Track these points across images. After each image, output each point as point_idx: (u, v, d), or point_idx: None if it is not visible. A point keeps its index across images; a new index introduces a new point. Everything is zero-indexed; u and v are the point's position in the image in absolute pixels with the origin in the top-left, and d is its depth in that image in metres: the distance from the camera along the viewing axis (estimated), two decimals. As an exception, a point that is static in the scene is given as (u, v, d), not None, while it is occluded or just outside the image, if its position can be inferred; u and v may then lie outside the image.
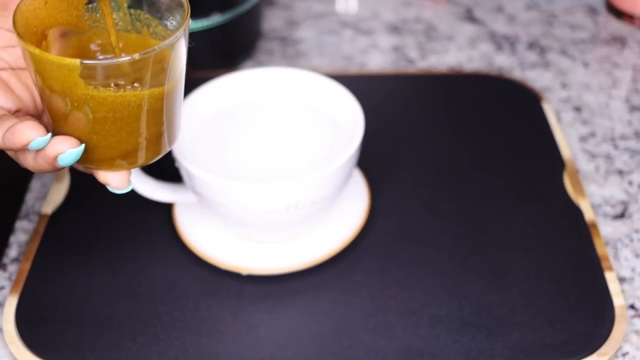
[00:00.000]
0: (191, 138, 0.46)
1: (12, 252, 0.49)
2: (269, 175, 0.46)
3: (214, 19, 0.61)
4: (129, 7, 0.36)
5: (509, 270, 0.46)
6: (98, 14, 0.36)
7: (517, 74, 0.66)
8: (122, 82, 0.32)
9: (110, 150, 0.34)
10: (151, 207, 0.49)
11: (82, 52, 0.37)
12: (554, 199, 0.51)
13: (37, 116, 0.36)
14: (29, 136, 0.31)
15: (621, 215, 0.51)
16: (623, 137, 0.58)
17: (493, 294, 0.44)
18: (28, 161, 0.33)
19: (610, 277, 0.45)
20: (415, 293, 0.45)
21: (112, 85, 0.32)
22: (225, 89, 0.48)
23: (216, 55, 0.64)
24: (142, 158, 0.35)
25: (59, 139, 0.32)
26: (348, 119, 0.46)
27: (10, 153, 0.34)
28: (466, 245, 0.48)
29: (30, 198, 0.53)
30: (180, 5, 0.34)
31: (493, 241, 0.48)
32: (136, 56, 0.31)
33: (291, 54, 0.69)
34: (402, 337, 0.42)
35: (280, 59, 0.68)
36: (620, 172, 0.55)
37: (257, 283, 0.45)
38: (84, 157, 0.33)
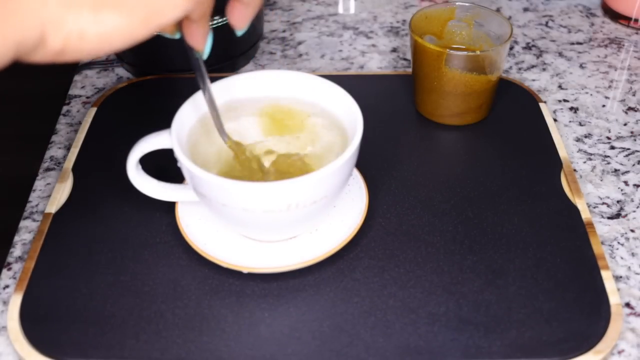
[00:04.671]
0: (193, 138, 0.46)
1: (17, 251, 0.49)
2: (268, 176, 0.46)
3: (215, 21, 0.62)
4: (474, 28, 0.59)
5: (507, 268, 0.46)
6: (458, 31, 0.59)
7: (515, 75, 0.67)
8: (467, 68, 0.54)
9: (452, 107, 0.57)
10: (154, 206, 0.49)
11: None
12: (551, 199, 0.51)
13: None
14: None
15: (617, 215, 0.52)
16: (619, 138, 0.59)
17: (491, 292, 0.45)
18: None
19: (606, 276, 0.46)
20: (414, 291, 0.45)
21: (460, 69, 0.54)
22: (226, 90, 0.49)
23: (217, 57, 0.65)
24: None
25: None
26: (348, 120, 0.46)
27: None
28: (464, 244, 0.48)
29: (34, 197, 0.53)
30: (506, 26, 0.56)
31: (491, 240, 0.48)
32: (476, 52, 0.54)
33: (291, 56, 0.69)
34: (401, 335, 0.43)
35: (280, 61, 0.68)
36: (616, 172, 0.56)
37: (257, 281, 0.46)
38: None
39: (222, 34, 0.63)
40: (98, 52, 0.33)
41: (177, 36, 0.41)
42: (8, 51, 0.30)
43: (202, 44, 0.40)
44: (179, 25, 0.40)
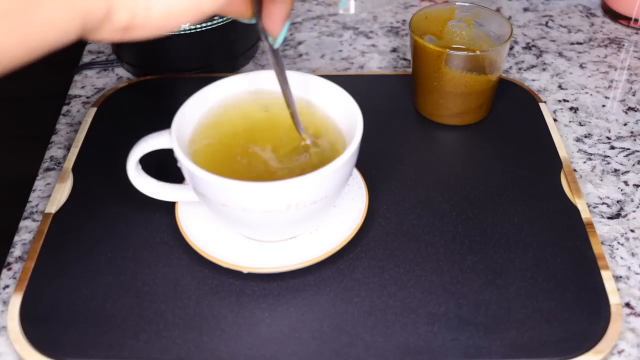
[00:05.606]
0: (193, 138, 0.46)
1: (17, 251, 0.49)
2: (268, 175, 0.46)
3: (215, 21, 0.62)
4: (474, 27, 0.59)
5: (507, 268, 0.46)
6: (458, 31, 0.59)
7: (515, 75, 0.67)
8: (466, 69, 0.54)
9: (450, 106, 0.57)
10: (154, 206, 0.49)
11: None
12: (551, 199, 0.51)
13: None
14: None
15: (617, 215, 0.52)
16: (619, 138, 0.59)
17: (491, 292, 0.45)
18: None
19: (606, 276, 0.46)
20: (414, 291, 0.45)
21: (460, 69, 0.54)
22: (227, 90, 0.49)
23: (217, 57, 0.65)
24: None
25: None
26: (347, 120, 0.46)
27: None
28: (464, 244, 0.48)
29: (34, 197, 0.53)
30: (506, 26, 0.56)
31: (491, 240, 0.48)
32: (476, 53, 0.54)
33: (291, 56, 0.69)
34: (400, 335, 0.43)
35: (280, 60, 0.68)
36: (616, 172, 0.56)
37: (257, 281, 0.46)
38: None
39: (222, 33, 0.64)
40: (165, 27, 0.32)
41: (254, 21, 0.38)
42: (75, 24, 0.29)
43: (279, 27, 0.38)
44: (256, 10, 0.38)
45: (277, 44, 0.39)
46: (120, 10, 0.30)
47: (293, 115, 0.45)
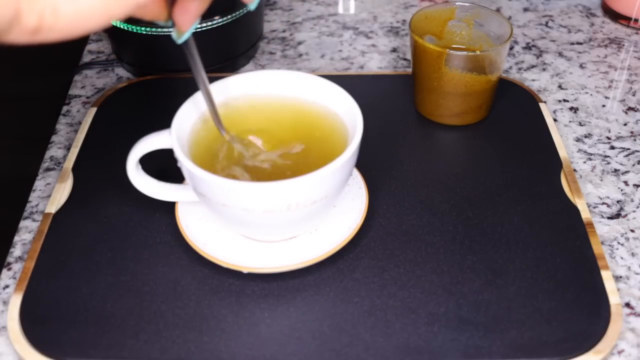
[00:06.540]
0: (193, 138, 0.46)
1: (16, 251, 0.49)
2: (269, 175, 0.46)
3: (215, 21, 0.62)
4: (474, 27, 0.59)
5: (506, 268, 0.46)
6: (458, 31, 0.59)
7: (515, 75, 0.67)
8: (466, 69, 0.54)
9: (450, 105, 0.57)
10: (154, 206, 0.49)
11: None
12: (551, 199, 0.51)
13: None
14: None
15: (617, 215, 0.52)
16: (619, 138, 0.59)
17: (491, 292, 0.45)
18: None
19: (606, 276, 0.46)
20: (414, 291, 0.45)
21: (460, 69, 0.54)
22: (226, 91, 0.49)
23: (217, 57, 0.65)
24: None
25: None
26: (348, 120, 0.46)
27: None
28: (464, 244, 0.48)
29: (34, 197, 0.53)
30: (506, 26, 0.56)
31: (491, 240, 0.48)
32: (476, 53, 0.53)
33: (291, 56, 0.69)
34: (400, 335, 0.43)
35: (280, 61, 0.68)
36: (616, 172, 0.56)
37: (257, 281, 0.46)
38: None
39: (222, 34, 0.64)
40: (74, 31, 0.32)
41: (170, 23, 0.39)
42: None
43: (190, 23, 0.38)
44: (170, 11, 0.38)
45: (182, 39, 0.39)
46: (29, 13, 0.30)
47: (212, 114, 0.44)
